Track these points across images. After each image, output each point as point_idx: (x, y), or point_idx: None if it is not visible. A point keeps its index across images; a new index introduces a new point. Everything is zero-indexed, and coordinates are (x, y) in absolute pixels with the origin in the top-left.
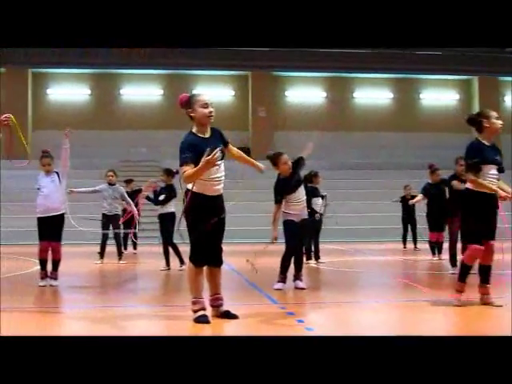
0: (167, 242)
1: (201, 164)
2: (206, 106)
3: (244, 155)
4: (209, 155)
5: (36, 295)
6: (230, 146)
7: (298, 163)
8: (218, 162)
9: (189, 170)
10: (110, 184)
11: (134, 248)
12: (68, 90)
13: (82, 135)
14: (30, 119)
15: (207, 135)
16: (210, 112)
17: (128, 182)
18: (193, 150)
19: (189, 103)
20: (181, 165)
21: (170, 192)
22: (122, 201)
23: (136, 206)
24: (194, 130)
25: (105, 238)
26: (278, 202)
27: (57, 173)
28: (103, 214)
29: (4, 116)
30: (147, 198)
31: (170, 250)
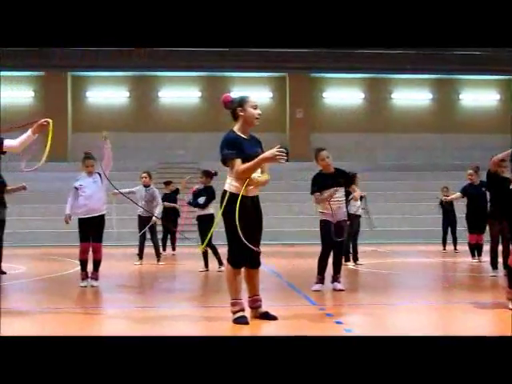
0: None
1: (262, 156)
2: (255, 107)
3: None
4: (277, 152)
5: (77, 296)
6: None
7: (347, 175)
8: (282, 161)
9: (240, 164)
10: (145, 186)
11: (173, 249)
12: (107, 92)
13: (121, 137)
14: (69, 122)
15: (247, 137)
16: (259, 114)
17: (167, 183)
18: (236, 147)
19: (239, 103)
20: (226, 159)
21: (209, 194)
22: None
23: (173, 209)
24: (235, 129)
25: (142, 239)
26: (312, 192)
27: (98, 174)
28: (139, 216)
29: (44, 120)
30: (188, 203)
31: (209, 251)
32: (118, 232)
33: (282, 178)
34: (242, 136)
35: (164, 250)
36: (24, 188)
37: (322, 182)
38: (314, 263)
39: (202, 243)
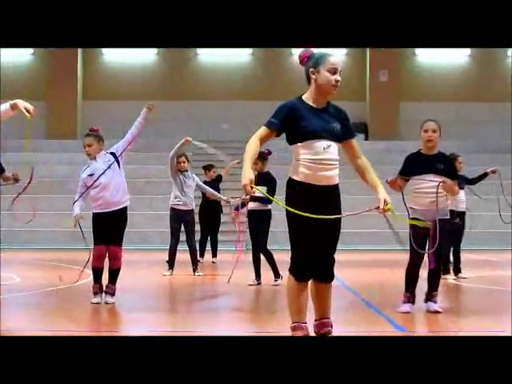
0: (259, 247)
1: (244, 170)
2: (334, 71)
3: (371, 174)
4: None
5: (87, 316)
6: (354, 142)
7: (451, 163)
8: (320, 156)
9: (258, 135)
10: (181, 171)
11: (214, 255)
12: (128, 48)
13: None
14: (79, 86)
15: (322, 106)
16: (337, 81)
17: (207, 168)
18: (289, 118)
19: (314, 62)
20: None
21: (268, 182)
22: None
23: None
24: (304, 96)
25: (175, 240)
26: (400, 172)
27: (113, 155)
28: (172, 208)
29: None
30: (236, 209)
31: (262, 258)
32: (139, 232)
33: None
34: (310, 105)
35: (202, 256)
36: (16, 179)
37: (414, 165)
38: (400, 275)
39: (254, 247)
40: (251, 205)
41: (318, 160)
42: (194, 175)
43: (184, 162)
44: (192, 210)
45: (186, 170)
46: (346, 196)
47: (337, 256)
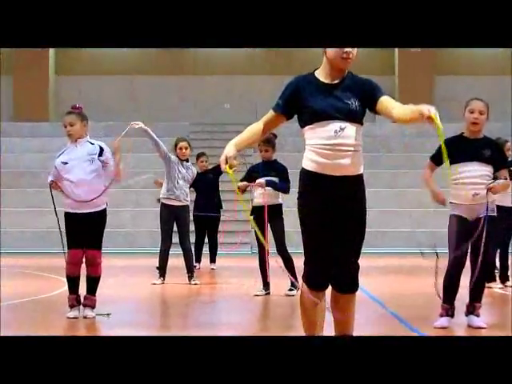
0: (279, 250)
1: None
2: None
3: (409, 107)
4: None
5: (63, 332)
6: (385, 99)
7: (495, 144)
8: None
9: (268, 117)
10: (181, 160)
11: (212, 261)
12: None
13: (131, 84)
14: (51, 60)
15: (336, 81)
16: (347, 53)
17: (196, 157)
18: (294, 97)
19: None
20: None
21: (278, 171)
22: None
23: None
24: (317, 72)
25: (166, 243)
26: (431, 158)
27: (100, 148)
28: (163, 204)
29: None
30: (270, 184)
31: (272, 263)
32: (124, 232)
33: (392, 149)
34: (322, 81)
35: (199, 261)
36: None
37: (457, 151)
38: (434, 283)
39: (262, 251)
40: (258, 199)
41: (330, 145)
42: (193, 168)
43: (186, 149)
44: (186, 205)
45: (187, 160)
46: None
47: (361, 261)
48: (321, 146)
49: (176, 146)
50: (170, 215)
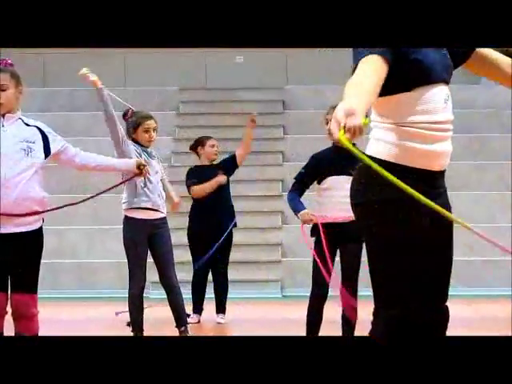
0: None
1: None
2: None
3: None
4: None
5: None
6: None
7: None
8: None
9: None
10: (145, 146)
11: (219, 310)
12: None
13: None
14: None
15: None
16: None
17: (204, 141)
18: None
19: None
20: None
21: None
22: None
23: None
24: None
25: (138, 282)
26: None
27: (38, 128)
28: (127, 218)
29: None
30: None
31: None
32: (76, 265)
33: None
34: None
35: (197, 310)
36: None
37: None
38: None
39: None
40: (339, 213)
41: (438, 123)
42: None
43: (155, 130)
44: (163, 218)
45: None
46: None
47: None
48: (427, 124)
49: (139, 126)
50: (142, 235)
